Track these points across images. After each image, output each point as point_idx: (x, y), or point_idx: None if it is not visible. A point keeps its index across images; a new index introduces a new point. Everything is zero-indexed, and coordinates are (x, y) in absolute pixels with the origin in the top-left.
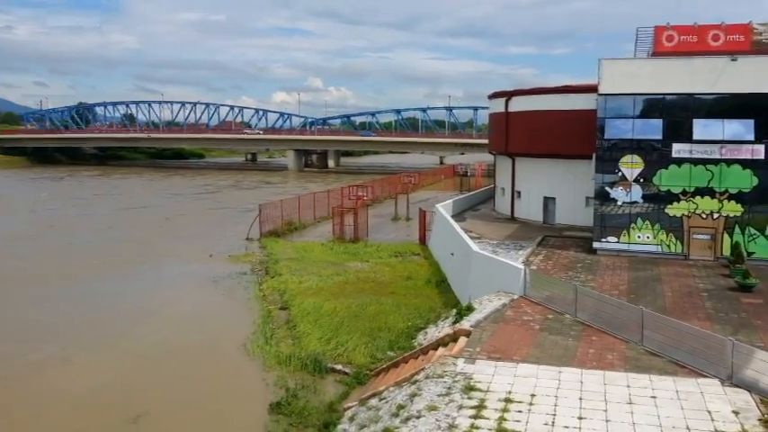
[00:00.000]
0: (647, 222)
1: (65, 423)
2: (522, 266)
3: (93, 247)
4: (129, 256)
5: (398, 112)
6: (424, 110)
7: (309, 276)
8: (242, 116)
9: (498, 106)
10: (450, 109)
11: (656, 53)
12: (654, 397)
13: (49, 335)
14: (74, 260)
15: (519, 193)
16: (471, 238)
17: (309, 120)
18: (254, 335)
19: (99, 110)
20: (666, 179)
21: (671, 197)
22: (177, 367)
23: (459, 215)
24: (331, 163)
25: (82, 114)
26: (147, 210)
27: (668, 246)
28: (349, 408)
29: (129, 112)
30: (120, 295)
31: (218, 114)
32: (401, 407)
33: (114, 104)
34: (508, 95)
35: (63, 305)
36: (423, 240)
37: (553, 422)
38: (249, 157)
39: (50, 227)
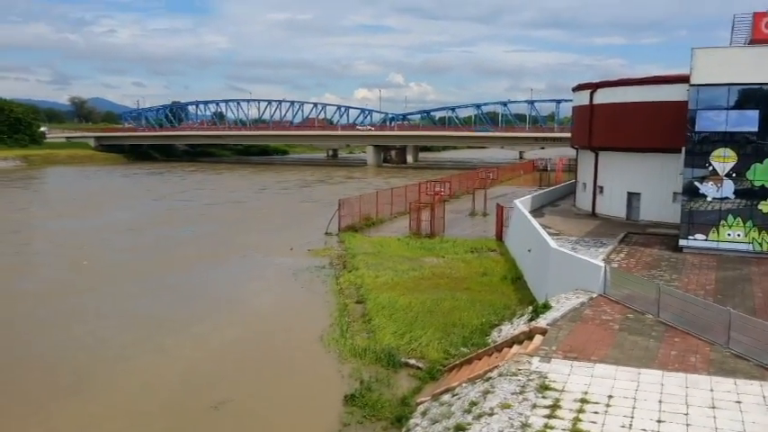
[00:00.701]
0: (739, 219)
1: (151, 408)
2: (602, 264)
3: (188, 240)
4: (219, 249)
5: (478, 106)
6: (504, 103)
7: (385, 271)
8: (324, 113)
9: (582, 99)
10: (531, 102)
11: (755, 40)
12: (739, 402)
13: (144, 323)
14: (170, 252)
15: (601, 188)
16: (550, 234)
17: (389, 115)
18: (330, 327)
19: (191, 108)
20: (761, 174)
21: (765, 193)
22: (258, 357)
23: (537, 211)
24: (409, 158)
25: (175, 113)
26: (241, 204)
27: (760, 244)
28: (421, 402)
29: (219, 110)
30: (209, 286)
31: (303, 111)
32: (474, 403)
33: (205, 103)
34: (593, 87)
35: (157, 295)
36: (499, 236)
37: (630, 425)
38: (330, 153)
39: (152, 219)
